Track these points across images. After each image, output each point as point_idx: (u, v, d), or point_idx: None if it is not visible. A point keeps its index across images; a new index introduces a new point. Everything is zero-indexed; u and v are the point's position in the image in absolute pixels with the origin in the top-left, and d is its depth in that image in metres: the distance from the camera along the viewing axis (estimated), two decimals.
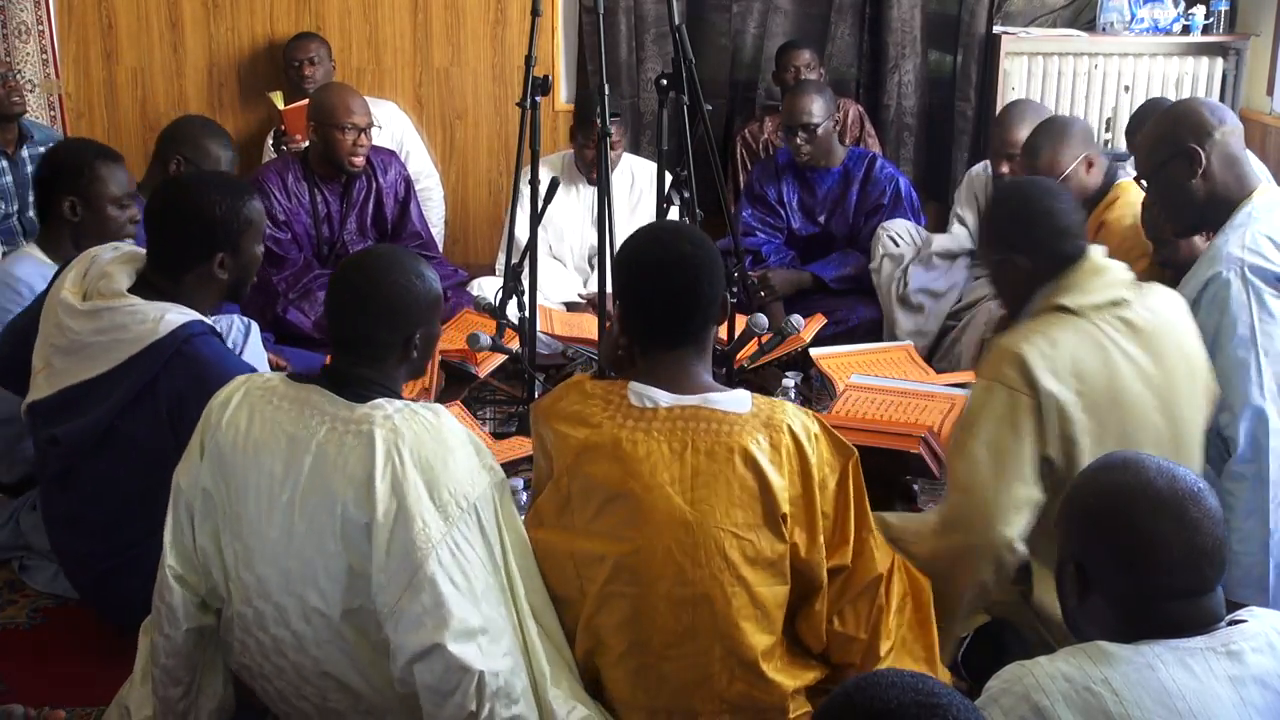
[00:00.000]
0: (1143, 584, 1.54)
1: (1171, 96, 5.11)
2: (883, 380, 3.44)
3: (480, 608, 1.92)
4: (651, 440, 2.00)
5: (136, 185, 3.22)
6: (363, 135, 4.15)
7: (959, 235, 4.25)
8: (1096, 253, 2.36)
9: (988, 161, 4.25)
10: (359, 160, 4.19)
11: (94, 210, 2.96)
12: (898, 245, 4.38)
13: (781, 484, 2.00)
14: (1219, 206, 2.64)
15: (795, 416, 2.05)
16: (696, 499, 1.99)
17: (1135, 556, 1.54)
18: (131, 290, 2.48)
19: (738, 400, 2.05)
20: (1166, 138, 2.69)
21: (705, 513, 1.98)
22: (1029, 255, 2.36)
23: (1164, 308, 2.36)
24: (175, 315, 2.43)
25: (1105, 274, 2.34)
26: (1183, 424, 2.33)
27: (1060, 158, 3.52)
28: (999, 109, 4.68)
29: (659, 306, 2.07)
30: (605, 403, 2.05)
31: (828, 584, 2.09)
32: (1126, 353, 2.27)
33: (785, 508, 2.00)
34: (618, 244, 4.13)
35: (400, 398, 2.05)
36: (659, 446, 2.00)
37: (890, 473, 3.06)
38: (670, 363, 2.08)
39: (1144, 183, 2.78)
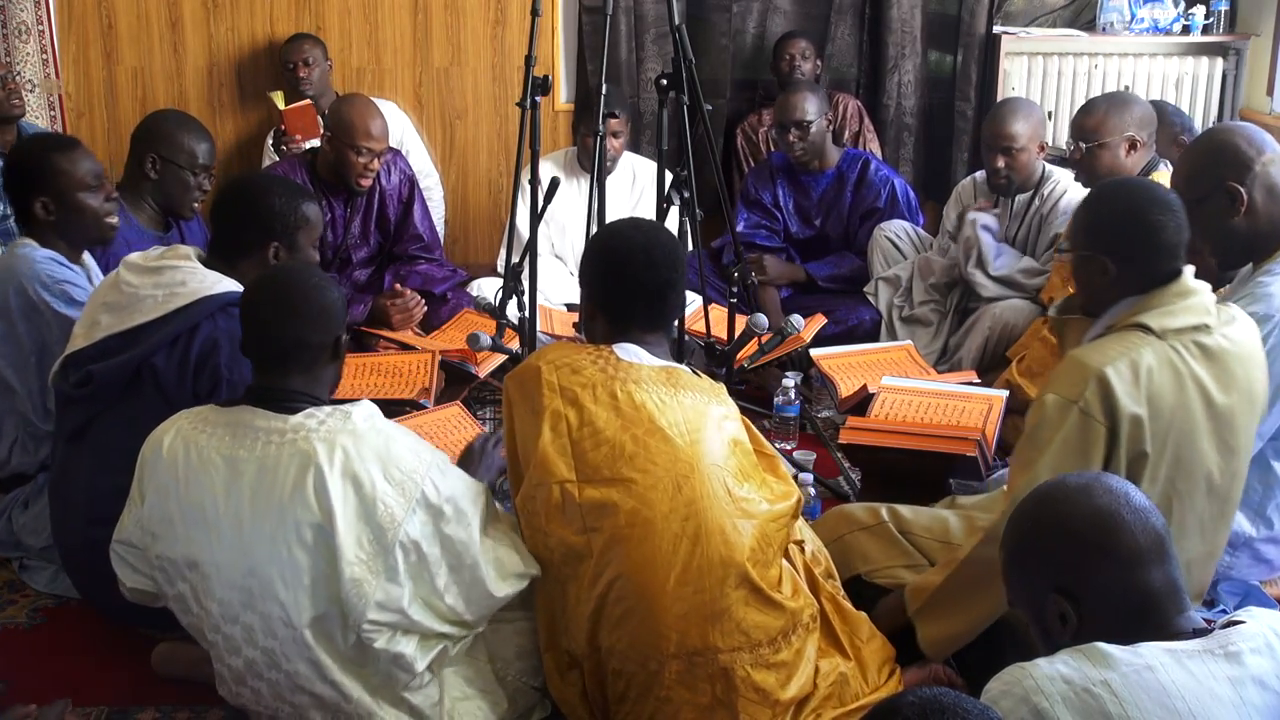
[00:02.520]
0: (1122, 569, 1.55)
1: (1171, 97, 5.11)
2: (913, 381, 3.47)
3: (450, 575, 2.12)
4: (643, 390, 2.16)
5: (116, 186, 3.20)
6: (376, 160, 4.13)
7: (956, 256, 4.21)
8: (1188, 274, 2.27)
9: (975, 175, 4.24)
10: (366, 182, 4.16)
11: (66, 203, 2.93)
12: (896, 247, 4.39)
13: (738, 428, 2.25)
14: (1265, 240, 2.60)
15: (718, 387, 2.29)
16: (693, 440, 2.14)
17: (1106, 540, 1.56)
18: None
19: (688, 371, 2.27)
20: (1205, 173, 2.62)
21: (703, 452, 2.14)
22: (1122, 264, 2.27)
23: (1242, 337, 2.30)
24: (232, 283, 2.57)
25: (1192, 297, 2.25)
26: (1236, 453, 2.30)
27: (1107, 124, 3.50)
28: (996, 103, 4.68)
29: (642, 291, 2.22)
30: (595, 358, 2.21)
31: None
32: (1198, 379, 2.22)
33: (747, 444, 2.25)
34: None
35: (327, 401, 2.16)
36: (650, 396, 2.16)
37: (932, 474, 3.07)
38: (651, 342, 2.24)
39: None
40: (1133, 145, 3.50)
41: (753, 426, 2.35)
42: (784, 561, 2.27)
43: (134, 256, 2.65)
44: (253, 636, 2.07)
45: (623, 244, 2.26)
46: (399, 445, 2.07)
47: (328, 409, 2.09)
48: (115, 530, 2.25)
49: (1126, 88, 5.16)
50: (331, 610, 2.03)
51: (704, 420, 2.16)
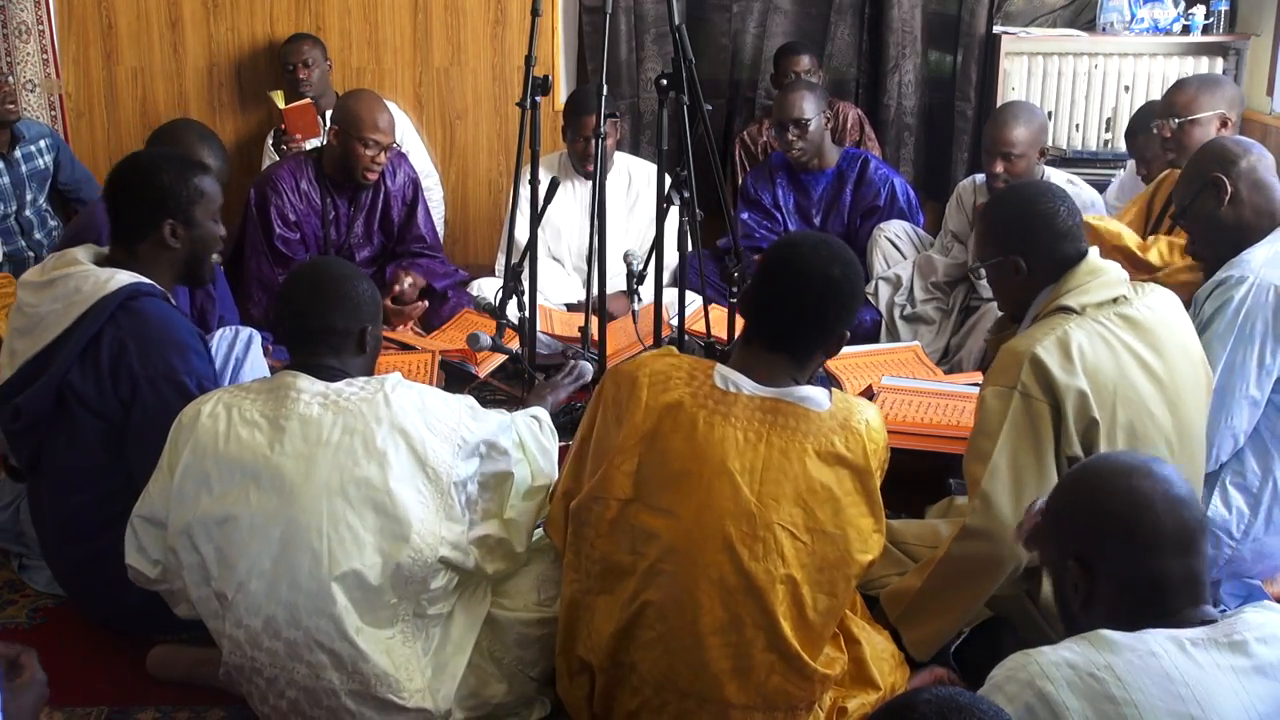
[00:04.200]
0: (1139, 552, 1.57)
1: None
2: (912, 381, 3.47)
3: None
4: (728, 425, 2.02)
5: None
6: (382, 154, 4.14)
7: (958, 256, 4.22)
8: (1093, 253, 2.38)
9: (975, 176, 4.24)
10: (372, 175, 4.17)
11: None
12: (896, 247, 4.39)
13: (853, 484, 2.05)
14: (1252, 232, 2.67)
15: (869, 409, 2.11)
16: (764, 492, 2.00)
17: (1130, 521, 1.58)
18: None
19: (818, 396, 2.07)
20: (1194, 171, 2.74)
21: (770, 506, 2.00)
22: (1028, 258, 2.37)
23: (1161, 305, 2.39)
24: (125, 276, 2.48)
25: (1103, 274, 2.35)
26: (1186, 417, 2.35)
27: (1200, 101, 3.48)
28: (998, 106, 4.68)
29: (782, 305, 2.09)
30: (690, 376, 2.08)
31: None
32: (1130, 347, 2.29)
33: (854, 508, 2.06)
34: (613, 244, 4.18)
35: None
36: (734, 432, 2.02)
37: (932, 474, 3.07)
38: (764, 361, 2.09)
39: (1180, 222, 2.81)
40: (1224, 123, 3.48)
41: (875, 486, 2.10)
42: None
43: (29, 274, 2.58)
44: (277, 591, 2.09)
45: (789, 255, 2.12)
46: (433, 399, 2.20)
47: (363, 379, 2.21)
48: (136, 504, 2.26)
49: (1127, 88, 5.16)
50: (366, 561, 2.08)
51: (784, 471, 2.01)
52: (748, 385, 2.06)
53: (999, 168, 3.92)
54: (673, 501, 2.03)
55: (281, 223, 4.13)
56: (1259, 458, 2.63)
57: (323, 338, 2.23)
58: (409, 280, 4.22)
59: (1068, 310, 2.30)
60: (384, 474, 2.10)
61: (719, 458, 2.00)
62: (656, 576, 2.04)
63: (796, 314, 2.08)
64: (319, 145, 4.37)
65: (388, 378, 2.20)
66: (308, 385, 2.17)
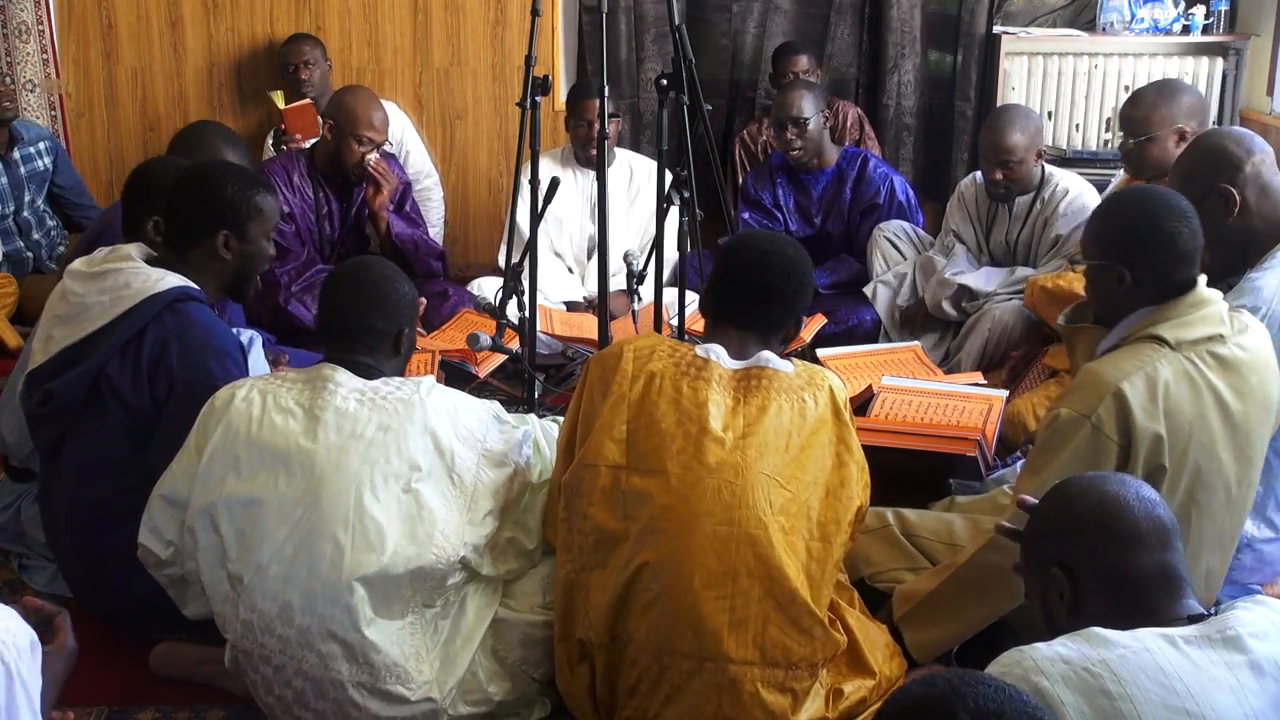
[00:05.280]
0: (1118, 548, 1.59)
1: None
2: (912, 381, 3.47)
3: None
4: (710, 389, 2.17)
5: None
6: (374, 151, 4.18)
7: (959, 256, 4.22)
8: (1202, 283, 2.26)
9: (975, 174, 4.21)
10: (363, 174, 4.21)
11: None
12: (896, 247, 4.39)
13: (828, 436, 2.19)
14: (1260, 240, 2.60)
15: (828, 372, 2.29)
16: (747, 444, 2.13)
17: (1106, 520, 1.61)
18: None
19: (783, 362, 2.25)
20: (1196, 177, 2.62)
21: (754, 459, 2.12)
22: (1136, 273, 2.24)
23: (1254, 344, 2.28)
24: (176, 278, 2.52)
25: (1207, 307, 2.24)
26: (1248, 460, 2.29)
27: (1154, 117, 3.36)
28: (1003, 104, 4.68)
29: (745, 287, 2.25)
30: (672, 350, 2.24)
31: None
32: (1215, 389, 2.21)
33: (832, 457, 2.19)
34: (614, 239, 4.18)
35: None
36: (716, 395, 2.16)
37: (932, 474, 3.07)
38: (734, 338, 2.26)
39: None
40: (1182, 137, 3.32)
41: (853, 434, 2.26)
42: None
43: (77, 264, 2.61)
44: (296, 577, 2.12)
45: (746, 243, 2.35)
46: (464, 407, 2.28)
47: (399, 379, 2.27)
48: (158, 483, 2.29)
49: (1127, 88, 5.16)
50: (388, 558, 2.10)
51: (765, 426, 2.14)
52: (725, 357, 2.22)
53: (999, 175, 3.90)
54: (661, 462, 2.13)
55: None
56: (1263, 474, 2.58)
57: (360, 336, 2.29)
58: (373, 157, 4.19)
59: (1161, 342, 2.20)
60: (413, 473, 2.14)
61: (703, 418, 2.13)
62: (650, 536, 2.11)
63: (762, 291, 2.26)
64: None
65: (423, 381, 2.25)
66: (346, 379, 2.22)
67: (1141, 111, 3.41)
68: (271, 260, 2.72)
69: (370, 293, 2.30)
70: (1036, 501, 1.76)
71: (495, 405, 2.34)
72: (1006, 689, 1.26)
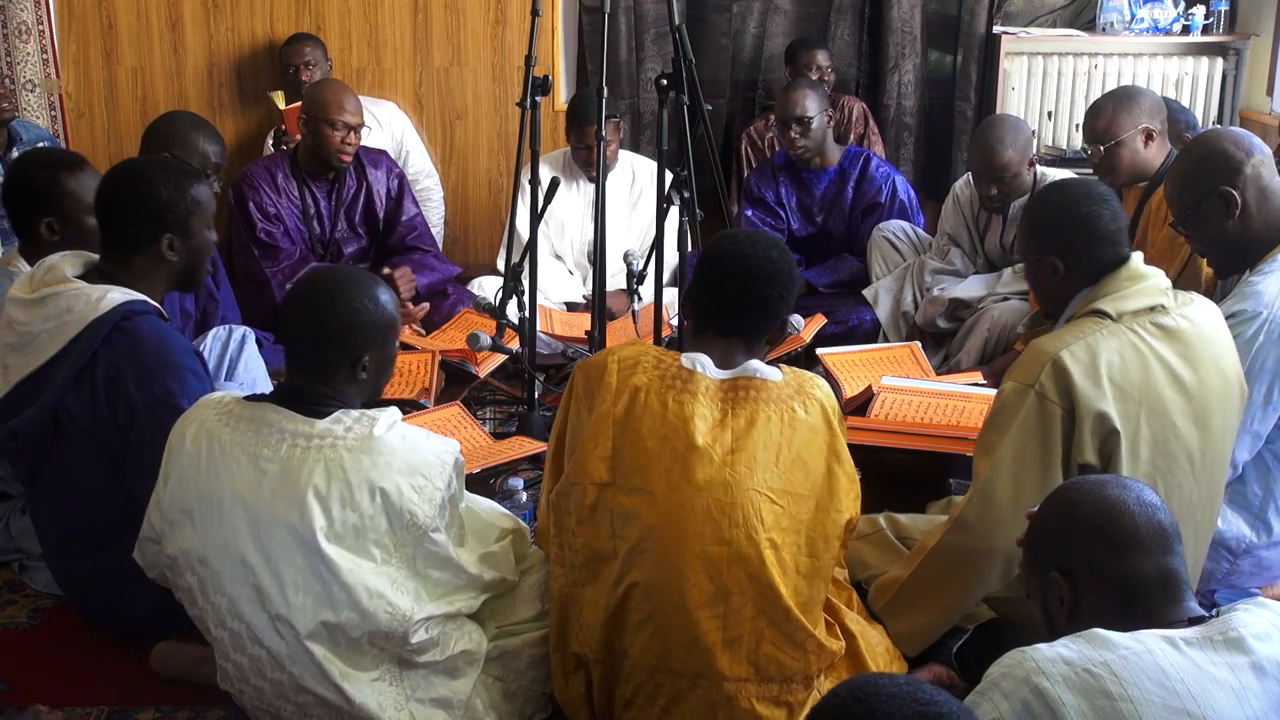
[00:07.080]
0: (1117, 553, 1.59)
1: (1171, 97, 5.11)
2: (913, 382, 3.47)
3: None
4: (696, 402, 2.09)
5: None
6: (352, 134, 4.15)
7: (955, 259, 4.21)
8: (1137, 259, 2.34)
9: (969, 175, 4.21)
10: (346, 157, 4.18)
11: (73, 225, 2.81)
12: (895, 248, 4.39)
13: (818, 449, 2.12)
14: (1261, 242, 2.62)
15: (817, 378, 2.20)
16: (736, 460, 2.06)
17: (1106, 524, 1.61)
18: (80, 279, 2.48)
19: (771, 370, 2.16)
20: (1195, 180, 2.65)
21: (743, 474, 2.05)
22: (1067, 259, 2.33)
23: (1201, 317, 2.33)
24: (118, 294, 2.43)
25: (1144, 280, 2.31)
26: (1213, 432, 2.31)
27: (1118, 122, 3.44)
28: (990, 116, 4.65)
29: (727, 293, 2.17)
30: (657, 361, 2.14)
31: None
32: (1163, 358, 2.25)
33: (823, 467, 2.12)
34: (617, 241, 4.18)
35: (355, 408, 2.10)
36: (702, 408, 2.08)
37: (932, 474, 3.07)
38: (718, 346, 2.18)
39: (1181, 228, 2.74)
40: (1149, 136, 3.43)
41: (842, 442, 2.19)
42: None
43: (16, 289, 2.51)
44: (258, 636, 2.06)
45: (726, 248, 2.22)
46: (424, 453, 2.06)
47: (355, 415, 2.07)
48: (142, 524, 2.21)
49: None
50: (336, 619, 2.02)
51: (754, 440, 2.07)
52: (711, 368, 2.14)
53: (993, 190, 3.90)
54: (648, 480, 2.07)
55: (262, 216, 4.16)
56: (1260, 478, 2.61)
57: (311, 364, 2.11)
58: (402, 286, 4.20)
59: (1102, 315, 2.27)
60: (354, 534, 2.01)
61: (690, 433, 2.06)
62: (639, 557, 2.07)
63: (744, 297, 2.17)
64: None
65: (379, 419, 2.06)
66: (290, 426, 2.05)
67: (1104, 119, 3.48)
68: (214, 245, 2.63)
69: (322, 318, 2.08)
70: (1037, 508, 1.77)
71: (455, 451, 2.12)
72: (899, 695, 1.23)
